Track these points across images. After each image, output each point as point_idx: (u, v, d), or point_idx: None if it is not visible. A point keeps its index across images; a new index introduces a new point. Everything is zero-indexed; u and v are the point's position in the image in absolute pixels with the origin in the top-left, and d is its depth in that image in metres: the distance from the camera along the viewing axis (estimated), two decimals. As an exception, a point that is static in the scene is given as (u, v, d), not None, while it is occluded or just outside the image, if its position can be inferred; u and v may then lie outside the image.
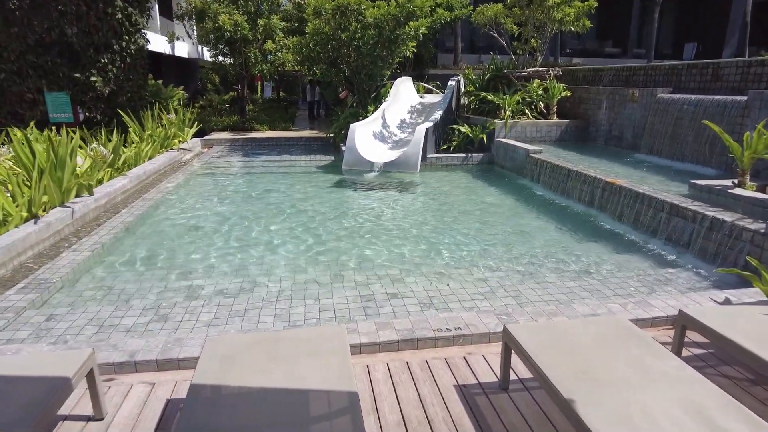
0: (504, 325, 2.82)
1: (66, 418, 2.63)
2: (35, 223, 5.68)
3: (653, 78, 9.93)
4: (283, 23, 17.30)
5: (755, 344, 2.62)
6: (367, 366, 3.14)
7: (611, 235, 6.40)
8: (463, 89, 13.64)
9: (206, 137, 14.51)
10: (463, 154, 11.02)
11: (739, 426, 1.98)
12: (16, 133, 7.68)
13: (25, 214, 5.79)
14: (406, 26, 11.98)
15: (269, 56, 16.88)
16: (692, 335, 3.44)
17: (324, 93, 20.63)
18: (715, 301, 3.95)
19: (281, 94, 27.06)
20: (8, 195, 6.04)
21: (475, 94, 12.67)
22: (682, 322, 3.10)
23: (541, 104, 11.81)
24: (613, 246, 5.98)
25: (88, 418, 2.63)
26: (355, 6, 11.88)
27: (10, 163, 7.15)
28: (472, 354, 3.30)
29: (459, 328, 3.49)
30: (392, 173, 10.11)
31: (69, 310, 4.21)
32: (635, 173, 7.81)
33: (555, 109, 11.66)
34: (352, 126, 10.43)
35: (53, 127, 11.57)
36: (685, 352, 3.33)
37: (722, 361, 3.24)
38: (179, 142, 12.23)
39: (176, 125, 12.60)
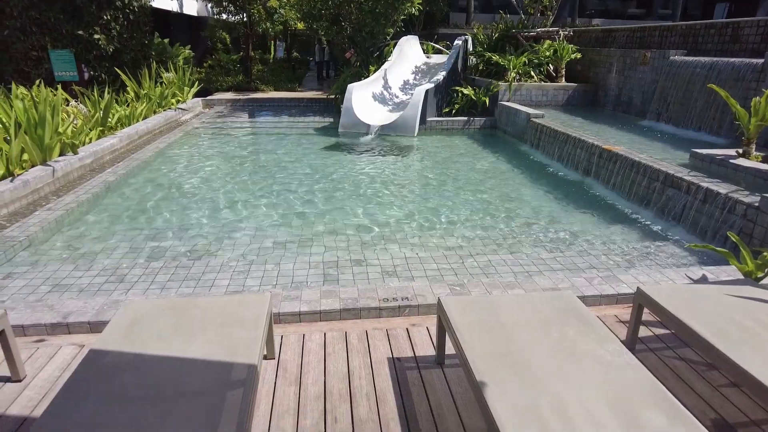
0: (438, 298, 2.66)
1: (-20, 379, 2.60)
2: (11, 181, 5.66)
3: (669, 39, 9.31)
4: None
5: (709, 330, 2.42)
6: (303, 335, 3.04)
7: (603, 205, 6.11)
8: (471, 49, 13.08)
9: (208, 97, 14.33)
10: (465, 118, 10.64)
11: (659, 419, 1.80)
12: (21, 90, 7.60)
13: (1, 172, 5.77)
14: (410, -19, 11.43)
15: (274, 14, 16.42)
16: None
17: (333, 53, 20.12)
18: (691, 278, 3.71)
19: (294, 54, 26.53)
20: (-12, 152, 6.02)
21: (482, 54, 12.13)
22: (639, 301, 2.89)
23: (550, 66, 11.25)
24: (601, 217, 5.71)
25: (5, 380, 2.59)
26: (356, -41, 11.35)
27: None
28: (416, 326, 3.17)
29: (406, 298, 3.35)
30: (389, 136, 9.84)
31: (28, 269, 4.19)
32: (637, 141, 7.41)
33: (563, 72, 11.09)
34: (349, 87, 10.12)
35: (59, 85, 11.55)
36: (645, 332, 3.15)
37: (683, 342, 3.04)
38: (177, 102, 12.08)
39: (176, 85, 12.43)
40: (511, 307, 2.59)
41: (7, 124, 6.20)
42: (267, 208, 5.92)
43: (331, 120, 11.83)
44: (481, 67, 12.32)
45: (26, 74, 14.56)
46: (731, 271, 3.78)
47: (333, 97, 13.10)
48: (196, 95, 13.78)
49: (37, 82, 12.33)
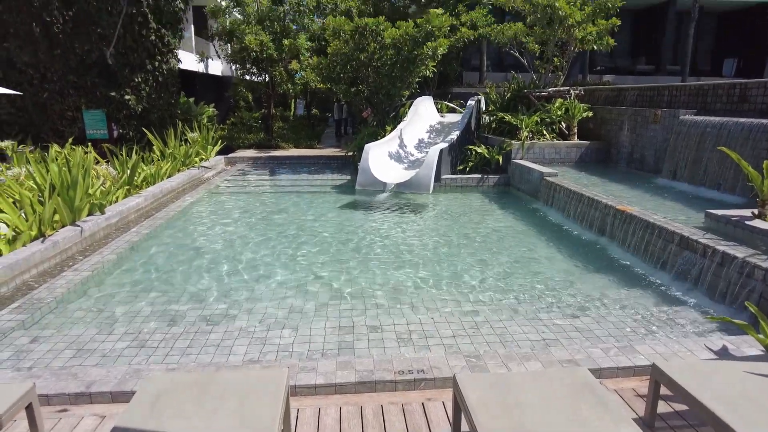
0: (454, 375, 2.68)
1: (6, 452, 2.66)
2: (42, 242, 5.90)
3: (678, 98, 9.51)
4: (310, 43, 17.63)
5: (726, 409, 2.40)
6: (319, 409, 3.06)
7: (618, 267, 6.10)
8: (484, 109, 13.46)
9: (230, 155, 14.86)
10: (479, 176, 10.83)
11: None
12: (56, 149, 8.03)
13: (34, 233, 6.03)
14: (425, 46, 11.96)
15: (295, 75, 17.21)
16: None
17: (352, 111, 20.84)
18: (710, 349, 3.67)
19: (313, 111, 27.50)
20: (21, 213, 6.32)
21: (495, 113, 12.48)
22: (655, 377, 2.88)
23: (562, 125, 11.51)
24: (618, 279, 5.69)
25: (27, 454, 2.66)
26: (373, 27, 11.97)
27: (30, 182, 7.51)
28: (431, 400, 3.17)
29: (422, 371, 3.36)
30: (405, 194, 10.04)
31: (54, 333, 4.31)
32: (652, 200, 7.45)
33: (575, 129, 11.32)
34: (366, 146, 10.45)
35: (90, 143, 12.14)
36: (665, 407, 3.10)
37: (702, 420, 2.98)
38: (201, 160, 12.55)
39: (199, 143, 12.95)
40: (526, 385, 2.60)
41: (42, 186, 6.53)
42: (285, 270, 6.03)
43: (349, 177, 12.14)
44: (494, 126, 12.64)
45: (60, 133, 15.34)
46: (752, 341, 3.73)
47: (351, 154, 13.49)
48: (219, 152, 14.31)
49: (70, 140, 12.99)
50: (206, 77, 22.02)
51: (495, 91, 14.06)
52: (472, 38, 16.92)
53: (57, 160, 7.75)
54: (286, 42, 16.16)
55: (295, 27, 17.76)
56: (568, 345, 3.88)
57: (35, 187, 7.26)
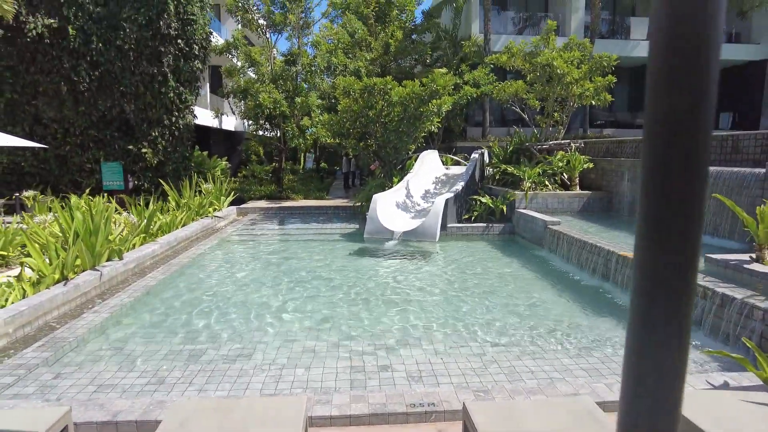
0: (463, 403, 2.84)
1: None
2: (65, 284, 6.15)
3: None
4: (320, 101, 18.49)
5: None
6: (334, 438, 3.19)
7: (622, 310, 6.23)
8: (487, 161, 13.94)
9: (243, 206, 15.30)
10: (484, 224, 11.11)
11: None
12: (73, 199, 8.46)
13: (57, 276, 6.28)
14: (430, 104, 12.59)
15: (306, 131, 17.94)
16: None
17: (359, 164, 21.51)
18: (711, 384, 3.78)
19: (322, 164, 28.32)
20: (46, 258, 6.61)
21: (498, 166, 12.92)
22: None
23: (564, 176, 11.89)
24: (621, 322, 5.81)
25: (61, 476, 2.79)
26: (382, 86, 12.67)
27: (55, 228, 7.85)
28: None
29: (433, 404, 3.50)
30: (412, 242, 10.29)
31: (76, 369, 4.48)
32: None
33: (577, 180, 11.69)
34: (374, 196, 10.81)
35: (105, 194, 12.60)
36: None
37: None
38: (214, 210, 12.95)
39: (213, 194, 13.40)
40: (532, 412, 2.75)
41: (67, 232, 6.85)
42: (296, 313, 6.21)
43: (357, 227, 12.45)
44: (497, 177, 13.06)
45: (78, 184, 15.93)
46: (752, 377, 3.84)
47: (359, 205, 13.88)
48: (231, 203, 14.75)
49: (87, 191, 13.48)
50: (220, 132, 22.92)
51: (498, 144, 14.60)
52: (474, 95, 17.73)
53: (79, 209, 8.11)
54: (298, 100, 16.98)
55: (306, 86, 18.70)
56: (572, 381, 3.99)
57: (59, 233, 7.58)
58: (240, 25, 20.24)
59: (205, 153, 17.96)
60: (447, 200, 10.60)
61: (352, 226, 12.71)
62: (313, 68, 18.36)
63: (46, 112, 15.67)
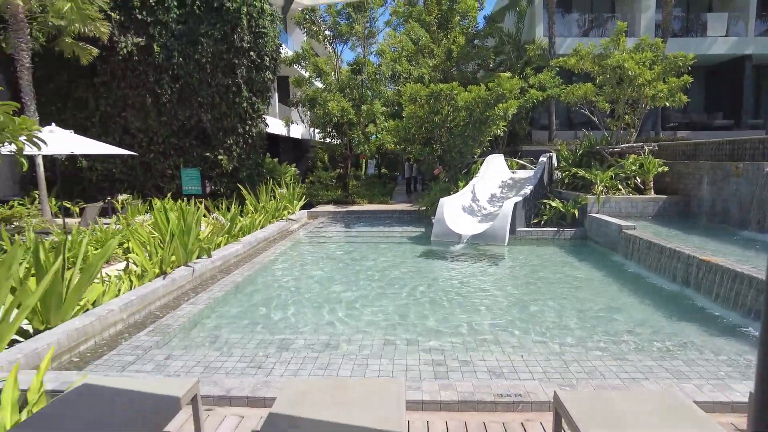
0: (554, 392, 2.95)
1: (173, 435, 3.19)
2: (164, 278, 6.74)
3: (761, 151, 9.39)
4: (384, 108, 18.90)
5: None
6: (427, 422, 3.38)
7: (706, 316, 6.04)
8: (555, 164, 13.74)
9: (312, 209, 15.91)
10: (555, 229, 10.98)
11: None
12: (157, 202, 9.24)
13: (157, 271, 6.90)
14: (496, 108, 12.61)
15: (371, 137, 18.39)
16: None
17: (421, 169, 21.74)
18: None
19: (383, 170, 28.80)
20: (146, 254, 7.27)
21: (568, 169, 12.72)
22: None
23: (637, 180, 11.53)
24: (706, 327, 5.65)
25: (190, 439, 3.17)
26: (447, 92, 12.83)
27: (150, 227, 8.59)
28: (530, 421, 3.41)
29: (519, 395, 3.62)
30: (479, 245, 10.36)
31: (183, 352, 4.95)
32: (741, 251, 7.33)
33: (651, 184, 11.31)
34: (441, 200, 10.97)
35: (185, 198, 13.52)
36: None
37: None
38: (288, 213, 13.59)
39: (286, 199, 14.05)
40: (625, 403, 2.82)
41: (164, 231, 7.50)
42: (371, 310, 6.48)
43: (422, 230, 12.65)
44: (566, 181, 12.85)
45: (161, 188, 17.13)
46: None
47: (423, 209, 14.08)
48: (302, 208, 15.38)
49: (168, 195, 14.48)
50: (288, 140, 23.89)
51: (566, 147, 14.34)
52: (540, 99, 17.50)
53: (172, 210, 8.82)
54: (364, 107, 17.46)
55: (370, 94, 19.18)
56: (658, 382, 3.98)
57: (154, 232, 8.30)
58: (307, 36, 21.09)
59: (276, 160, 18.81)
60: (516, 204, 10.58)
61: (417, 229, 12.93)
62: (377, 76, 18.81)
63: (133, 123, 17.02)
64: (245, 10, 16.38)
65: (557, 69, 17.89)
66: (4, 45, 15.01)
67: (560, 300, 6.84)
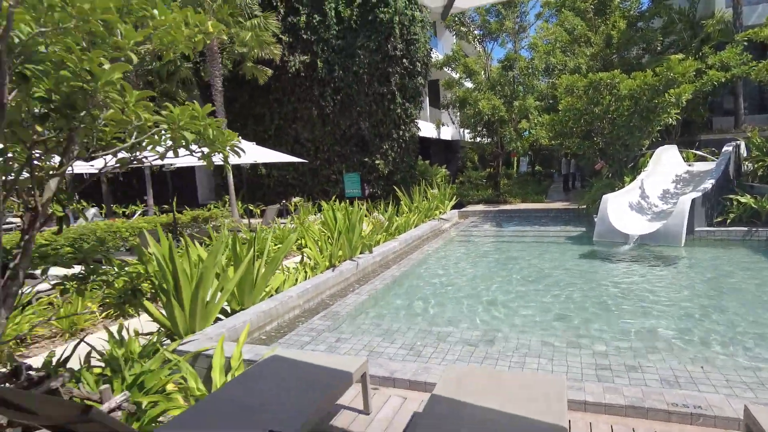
0: (745, 406, 2.65)
1: (343, 407, 3.57)
2: (333, 271, 7.45)
3: None
4: (538, 102, 18.18)
5: None
6: (590, 423, 3.27)
7: None
8: (744, 154, 11.83)
9: (463, 209, 16.03)
10: (745, 228, 9.48)
11: None
12: (324, 204, 10.22)
13: (327, 264, 7.66)
14: (666, 94, 11.32)
15: (524, 134, 17.87)
16: None
17: (580, 165, 20.43)
18: None
19: (537, 167, 27.70)
20: (318, 249, 8.10)
21: (761, 159, 10.86)
22: None
23: None
24: None
25: (359, 412, 3.52)
26: (608, 80, 11.89)
27: (319, 226, 9.54)
28: (714, 435, 3.08)
29: (699, 407, 3.29)
30: (650, 246, 9.42)
31: (350, 336, 5.45)
32: None
33: None
34: (605, 197, 10.22)
35: (347, 200, 14.66)
36: None
37: None
38: (440, 213, 13.91)
39: (438, 199, 14.40)
40: (843, 423, 2.41)
41: (332, 229, 8.29)
42: (527, 309, 6.36)
43: (583, 230, 11.92)
44: (760, 173, 10.99)
45: (326, 192, 18.76)
46: None
47: (584, 207, 13.24)
48: (452, 207, 15.60)
49: (333, 198, 15.78)
50: (439, 142, 24.36)
51: (758, 134, 12.27)
52: (722, 80, 15.20)
53: (339, 210, 9.68)
54: (516, 104, 17.05)
55: (522, 89, 18.62)
56: None
57: (324, 230, 9.19)
58: (456, 38, 21.26)
59: (427, 162, 19.34)
60: (694, 200, 9.40)
61: (577, 228, 12.21)
62: (530, 71, 18.19)
63: (302, 134, 18.97)
64: (397, 19, 17.17)
65: (744, 44, 15.41)
66: (203, 74, 17.94)
67: (754, 311, 5.93)
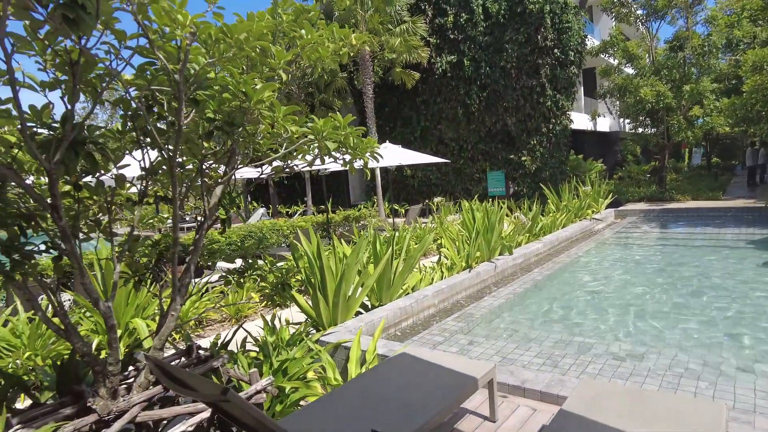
0: None
1: (468, 412, 3.57)
2: (469, 272, 7.42)
3: None
4: (716, 85, 15.76)
5: None
6: (757, 463, 2.80)
7: None
8: None
9: (620, 208, 14.64)
10: None
11: None
12: (465, 203, 10.18)
13: (463, 264, 7.64)
14: None
15: (696, 122, 15.65)
16: None
17: (770, 155, 17.26)
18: None
19: (713, 159, 24.04)
20: (455, 249, 8.13)
21: None
22: None
23: None
24: None
25: (485, 418, 3.49)
26: (815, 51, 9.81)
27: (458, 226, 9.55)
28: None
29: None
30: None
31: (484, 340, 5.39)
32: None
33: None
34: (802, 195, 8.49)
35: (490, 199, 14.41)
36: None
37: None
38: (592, 212, 12.90)
39: (591, 197, 13.36)
40: None
41: (470, 229, 8.25)
42: (688, 324, 5.60)
43: (772, 232, 10.08)
44: None
45: (469, 191, 18.64)
46: None
47: (773, 205, 11.18)
48: (608, 206, 14.34)
49: (476, 197, 15.62)
50: (594, 134, 22.54)
51: None
52: None
53: (478, 210, 9.58)
54: (686, 88, 15.00)
55: (695, 71, 16.31)
56: None
57: (462, 230, 9.18)
58: (615, 21, 19.41)
59: (580, 156, 18.04)
60: None
61: (762, 231, 10.35)
62: (705, 49, 15.82)
63: (446, 134, 19.09)
64: (548, 8, 16.30)
65: None
66: (356, 82, 19.11)
67: None
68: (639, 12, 18.23)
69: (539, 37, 16.59)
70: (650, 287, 7.21)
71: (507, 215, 10.59)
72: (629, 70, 19.08)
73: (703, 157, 24.46)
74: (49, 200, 2.40)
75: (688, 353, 4.78)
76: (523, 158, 17.16)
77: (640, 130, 17.81)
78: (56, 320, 2.78)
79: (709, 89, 15.24)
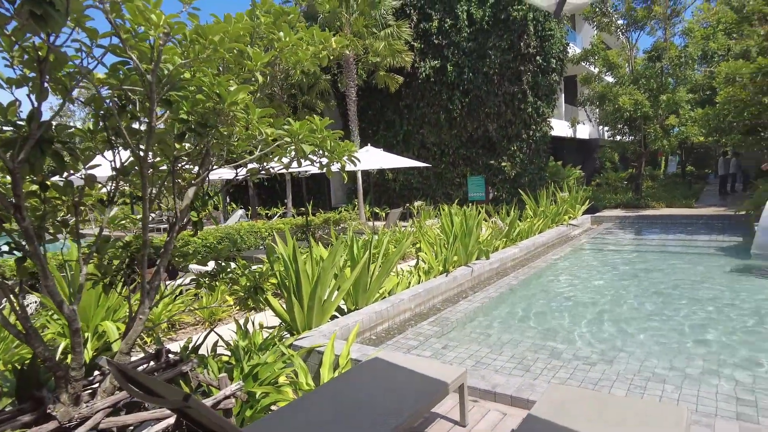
0: None
1: (439, 416, 3.59)
2: (446, 276, 7.46)
3: None
4: (691, 95, 16.16)
5: None
6: (718, 467, 2.87)
7: None
8: None
9: (597, 214, 14.88)
10: None
11: None
12: (444, 208, 10.25)
13: (441, 268, 7.69)
14: None
15: (672, 131, 16.03)
16: None
17: (741, 165, 17.71)
18: None
19: (688, 168, 24.62)
20: (433, 253, 8.18)
21: None
22: None
23: None
24: None
25: (455, 423, 3.51)
26: (783, 65, 10.13)
27: (437, 230, 9.60)
28: None
29: None
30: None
31: (457, 345, 5.42)
32: None
33: None
34: (769, 203, 8.76)
35: (470, 204, 14.52)
36: None
37: None
38: (569, 218, 13.09)
39: (568, 203, 13.56)
40: None
41: (448, 233, 8.30)
42: (657, 330, 5.72)
43: (740, 239, 10.36)
44: None
45: (449, 195, 18.75)
46: None
47: (743, 213, 11.47)
48: (585, 212, 14.57)
49: (456, 201, 15.73)
50: (573, 141, 22.89)
51: None
52: None
53: (456, 215, 9.65)
54: (663, 98, 15.35)
55: (672, 81, 16.70)
56: None
57: (441, 234, 9.23)
58: (597, 30, 19.78)
59: (559, 163, 18.31)
60: None
61: (732, 238, 10.63)
62: (682, 60, 16.21)
63: (428, 138, 19.18)
64: (531, 15, 16.51)
65: None
66: (339, 85, 19.09)
67: None
68: (620, 22, 18.60)
69: (522, 44, 16.80)
70: (623, 292, 7.34)
71: (485, 220, 10.68)
72: (609, 79, 19.43)
73: (678, 166, 25.05)
74: (12, 200, 2.35)
75: (657, 358, 4.88)
76: (503, 164, 17.35)
77: (618, 137, 18.17)
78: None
79: (684, 99, 15.63)
